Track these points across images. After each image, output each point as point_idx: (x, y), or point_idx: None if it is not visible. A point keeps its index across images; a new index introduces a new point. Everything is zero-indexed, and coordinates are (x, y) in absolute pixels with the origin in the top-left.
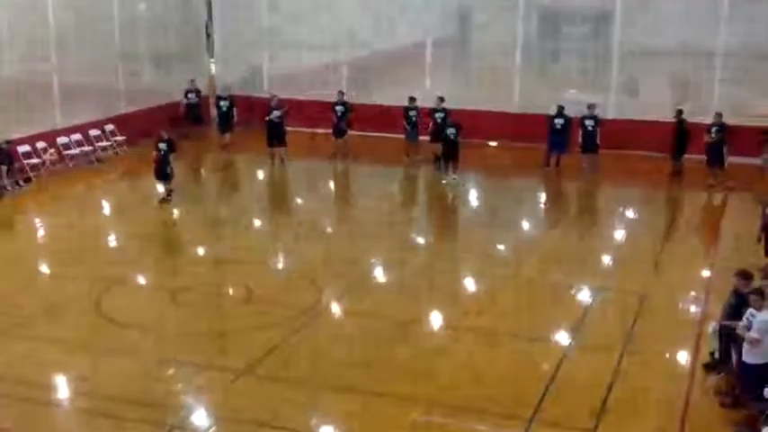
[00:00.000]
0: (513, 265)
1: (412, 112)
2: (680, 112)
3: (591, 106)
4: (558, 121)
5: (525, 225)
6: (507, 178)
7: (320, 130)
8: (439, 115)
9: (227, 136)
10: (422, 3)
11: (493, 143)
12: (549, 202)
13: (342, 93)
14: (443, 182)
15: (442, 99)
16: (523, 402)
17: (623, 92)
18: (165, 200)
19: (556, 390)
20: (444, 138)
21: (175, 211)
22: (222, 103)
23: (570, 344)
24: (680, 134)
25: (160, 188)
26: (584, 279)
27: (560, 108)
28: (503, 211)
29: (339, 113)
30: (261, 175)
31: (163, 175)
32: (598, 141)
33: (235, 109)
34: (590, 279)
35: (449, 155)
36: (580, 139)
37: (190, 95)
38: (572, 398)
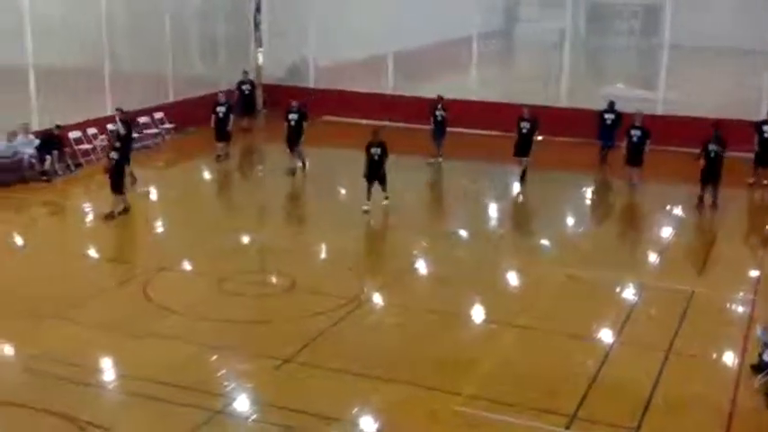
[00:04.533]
0: (558, 261)
1: (439, 111)
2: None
3: (637, 116)
4: (609, 117)
5: (571, 221)
6: (552, 172)
7: (363, 121)
8: (524, 125)
9: (247, 120)
10: None
11: (539, 137)
12: (596, 198)
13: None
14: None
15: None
16: (565, 399)
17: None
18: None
19: (598, 387)
20: (518, 131)
21: (224, 199)
22: (244, 87)
23: (614, 342)
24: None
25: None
26: (630, 276)
27: (611, 103)
28: (548, 205)
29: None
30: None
31: (223, 135)
32: (644, 154)
33: (257, 92)
34: (636, 277)
35: (523, 149)
36: (624, 151)
37: (244, 86)
38: (615, 396)
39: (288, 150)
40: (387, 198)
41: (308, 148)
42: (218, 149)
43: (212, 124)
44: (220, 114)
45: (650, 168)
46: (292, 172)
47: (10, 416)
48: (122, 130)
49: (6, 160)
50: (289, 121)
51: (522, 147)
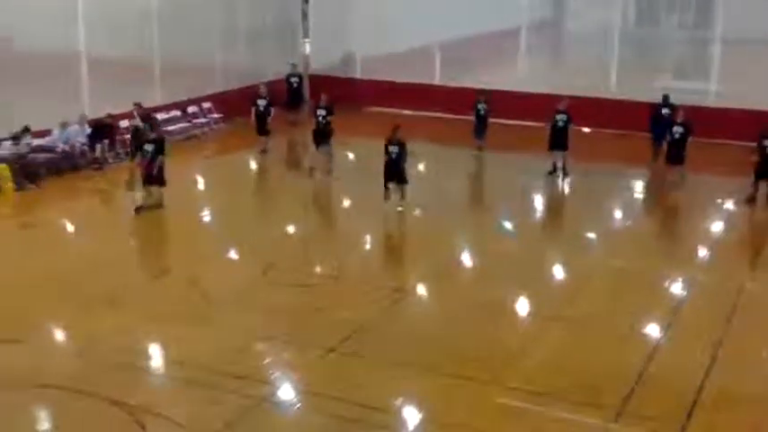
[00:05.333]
0: (605, 254)
1: (481, 105)
2: None
3: (672, 107)
4: (666, 111)
5: (618, 213)
6: (599, 165)
7: (408, 112)
8: (561, 118)
9: (294, 114)
10: None
11: (586, 129)
12: (645, 191)
13: None
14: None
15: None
16: (611, 393)
17: None
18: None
19: (646, 382)
20: (554, 124)
21: (266, 191)
22: (293, 79)
23: (663, 336)
24: None
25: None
26: (679, 270)
27: (666, 97)
28: (595, 198)
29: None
30: (350, 156)
31: (263, 129)
32: (686, 152)
33: (305, 85)
34: (685, 270)
35: (561, 143)
36: (665, 148)
37: (292, 79)
38: (662, 391)
39: (315, 147)
40: (403, 197)
41: (355, 139)
42: (261, 143)
43: (252, 117)
44: (261, 107)
45: (701, 161)
46: (314, 171)
47: (62, 400)
48: (140, 125)
49: (59, 148)
50: (317, 116)
51: (560, 140)
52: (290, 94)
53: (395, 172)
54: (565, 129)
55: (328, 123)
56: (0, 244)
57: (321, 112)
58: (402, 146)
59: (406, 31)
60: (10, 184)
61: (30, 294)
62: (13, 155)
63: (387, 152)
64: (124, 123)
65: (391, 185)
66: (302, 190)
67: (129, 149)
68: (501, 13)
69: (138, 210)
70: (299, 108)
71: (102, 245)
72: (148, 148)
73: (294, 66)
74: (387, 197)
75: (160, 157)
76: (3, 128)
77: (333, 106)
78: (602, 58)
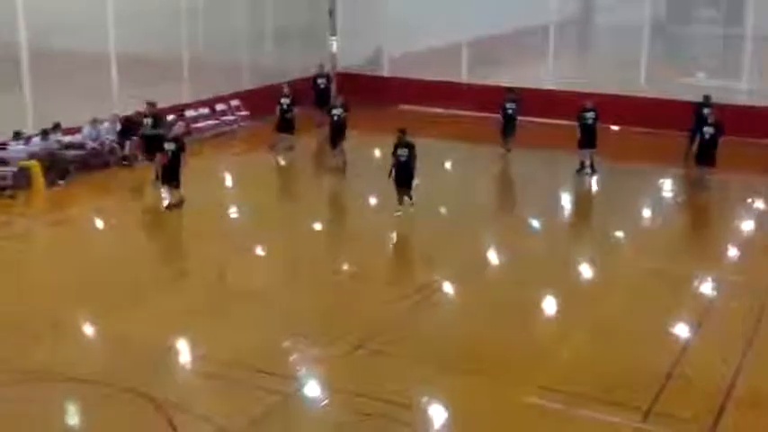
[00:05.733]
0: (634, 254)
1: (509, 104)
2: None
3: (708, 108)
4: (707, 111)
5: (648, 213)
6: (630, 163)
7: (438, 110)
8: (590, 116)
9: (321, 115)
10: None
11: (615, 127)
12: (675, 190)
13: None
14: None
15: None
16: (641, 392)
17: None
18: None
19: (675, 382)
20: (583, 125)
21: (293, 189)
22: (320, 80)
23: (692, 336)
24: None
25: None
26: (709, 270)
27: (707, 97)
28: (625, 198)
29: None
30: (377, 153)
31: (287, 126)
32: (716, 153)
33: (332, 86)
34: (715, 270)
35: (590, 141)
36: (695, 147)
37: (320, 80)
38: (693, 391)
39: (330, 148)
40: (412, 205)
41: (384, 136)
42: (278, 140)
43: (276, 115)
44: (284, 106)
45: (732, 160)
46: (334, 169)
47: (93, 393)
48: (150, 125)
49: (89, 145)
50: (332, 116)
51: (589, 138)
52: (317, 96)
53: (405, 175)
54: (593, 126)
55: (343, 123)
56: (30, 240)
57: (336, 111)
58: (411, 148)
59: (434, 28)
60: (41, 181)
61: (59, 290)
62: (43, 151)
63: (395, 155)
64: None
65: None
66: (327, 188)
67: (145, 150)
68: (529, 10)
69: (169, 207)
70: (327, 109)
71: (129, 242)
72: (169, 147)
73: (321, 66)
74: (400, 201)
75: (183, 155)
76: (34, 125)
77: (348, 104)
78: (632, 56)
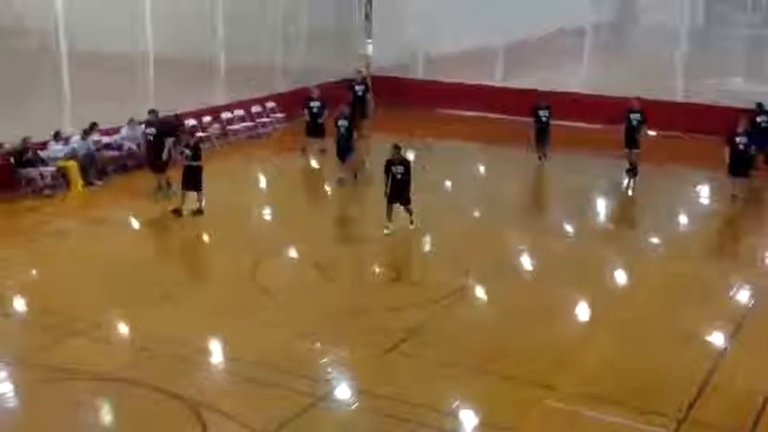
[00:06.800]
0: (670, 257)
1: (543, 112)
2: None
3: (741, 119)
4: (762, 119)
5: (683, 217)
6: (664, 167)
7: (473, 113)
8: (635, 117)
9: (359, 123)
10: None
11: (652, 132)
12: (712, 195)
13: None
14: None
15: (638, 98)
16: (673, 400)
17: None
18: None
19: (710, 389)
20: (629, 126)
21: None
22: (358, 87)
23: (726, 342)
24: None
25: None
26: (746, 276)
27: (760, 105)
28: (660, 201)
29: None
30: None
31: (317, 131)
32: (752, 163)
33: (369, 93)
34: (752, 276)
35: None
36: (727, 158)
37: (357, 87)
38: (728, 399)
39: (338, 161)
40: (412, 222)
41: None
42: (309, 144)
43: (306, 119)
44: (314, 109)
45: None
46: (344, 182)
47: (125, 392)
48: (152, 133)
49: (126, 146)
50: (338, 127)
51: (633, 138)
52: (354, 103)
53: (401, 193)
54: (638, 127)
55: (350, 134)
56: (64, 239)
57: (343, 123)
58: (407, 165)
59: (468, 31)
60: (78, 181)
61: (90, 289)
62: (82, 152)
63: (389, 171)
64: (189, 122)
65: (396, 206)
66: (354, 190)
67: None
68: (564, 13)
69: (177, 212)
70: (365, 117)
71: (161, 242)
72: (187, 152)
73: (359, 72)
74: (390, 218)
75: (199, 161)
76: (73, 126)
77: (352, 116)
78: (669, 59)
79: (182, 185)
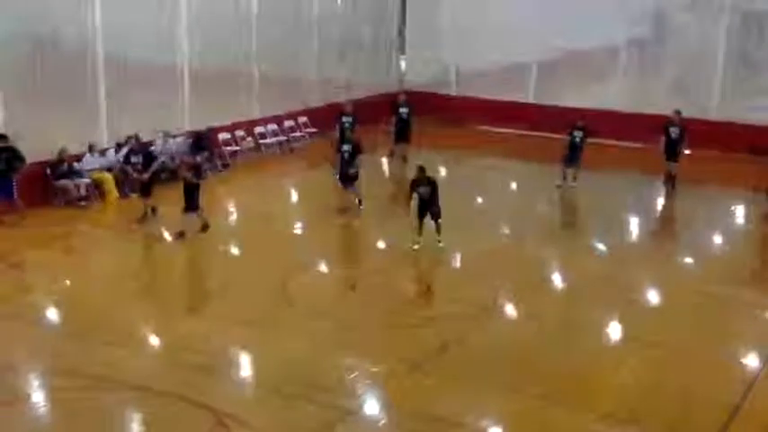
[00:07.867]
0: (704, 279)
1: (577, 132)
2: None
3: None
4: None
5: (718, 237)
6: (700, 186)
7: (506, 130)
8: (674, 130)
9: (402, 147)
10: (616, 3)
11: (687, 151)
12: (748, 216)
13: None
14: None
15: (678, 112)
16: (705, 425)
17: None
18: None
19: (743, 415)
20: (670, 138)
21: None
22: (402, 110)
23: (763, 367)
24: None
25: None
26: None
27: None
28: (694, 220)
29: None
30: (442, 171)
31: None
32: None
33: (413, 119)
34: None
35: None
36: (662, 146)
37: (402, 110)
38: (761, 425)
39: (341, 186)
40: (440, 241)
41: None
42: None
43: (337, 134)
44: (346, 125)
45: None
46: (344, 210)
47: (150, 401)
48: (140, 157)
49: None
50: (342, 153)
51: (673, 151)
52: (398, 127)
53: (430, 210)
54: (678, 140)
55: (354, 158)
56: (96, 250)
57: (347, 148)
58: (434, 185)
59: (502, 48)
60: (114, 193)
61: (120, 299)
62: (117, 164)
63: (417, 194)
64: (222, 136)
65: (426, 220)
66: (383, 205)
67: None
68: (598, 31)
69: (180, 235)
70: (408, 141)
71: (193, 253)
72: (188, 175)
73: (403, 95)
74: (420, 233)
75: (200, 183)
76: (109, 138)
77: (361, 144)
78: (704, 78)
79: (183, 209)
